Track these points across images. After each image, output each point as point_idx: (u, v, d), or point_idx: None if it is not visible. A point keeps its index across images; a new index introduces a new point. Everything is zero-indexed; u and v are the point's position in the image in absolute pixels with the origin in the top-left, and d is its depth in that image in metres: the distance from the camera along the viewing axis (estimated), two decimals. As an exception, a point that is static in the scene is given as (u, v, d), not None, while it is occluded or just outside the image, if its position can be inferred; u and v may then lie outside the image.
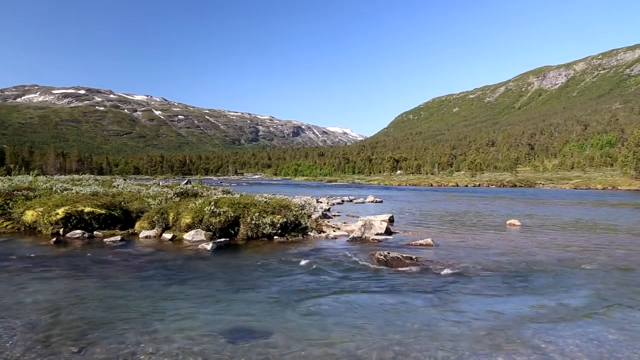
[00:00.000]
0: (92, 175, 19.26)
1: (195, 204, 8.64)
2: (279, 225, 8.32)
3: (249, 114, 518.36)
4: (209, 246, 7.02)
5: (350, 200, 21.64)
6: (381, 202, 21.77)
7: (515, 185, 54.04)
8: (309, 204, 10.96)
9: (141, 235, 8.20)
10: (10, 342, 3.20)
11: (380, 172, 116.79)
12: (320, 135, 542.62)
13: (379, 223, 8.84)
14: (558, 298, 4.55)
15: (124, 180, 16.33)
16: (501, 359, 3.07)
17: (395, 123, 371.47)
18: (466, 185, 57.37)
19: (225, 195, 10.08)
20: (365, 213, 13.78)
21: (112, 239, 7.70)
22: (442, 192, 37.94)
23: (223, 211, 8.27)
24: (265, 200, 9.37)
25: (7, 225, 8.80)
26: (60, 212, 8.30)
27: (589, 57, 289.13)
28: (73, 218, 8.33)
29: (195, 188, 11.02)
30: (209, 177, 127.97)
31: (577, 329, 3.65)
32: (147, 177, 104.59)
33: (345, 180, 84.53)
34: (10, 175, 17.10)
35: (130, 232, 8.57)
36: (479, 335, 3.49)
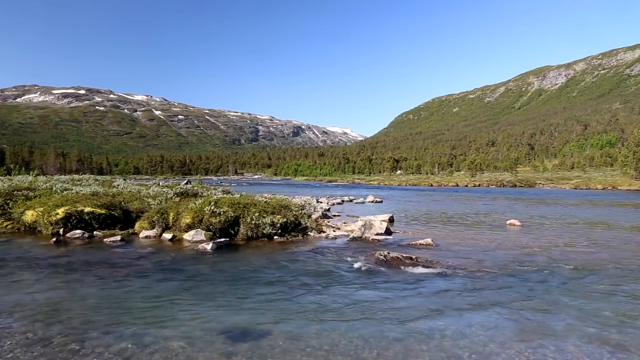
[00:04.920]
0: (92, 175, 19.26)
1: (195, 204, 8.64)
2: (279, 225, 8.32)
3: (249, 114, 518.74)
4: (209, 246, 7.02)
5: (350, 200, 21.64)
6: (381, 202, 21.77)
7: (515, 185, 54.05)
8: (309, 204, 10.97)
9: (141, 235, 8.20)
10: (10, 342, 3.20)
11: (380, 172, 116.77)
12: (320, 135, 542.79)
13: (379, 223, 8.84)
14: (557, 299, 4.55)
15: (124, 180, 16.30)
16: None
17: (395, 123, 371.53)
18: (466, 185, 57.37)
19: (225, 195, 10.08)
20: (365, 213, 13.78)
21: (112, 239, 7.70)
22: (442, 192, 37.94)
23: (223, 211, 8.27)
24: (265, 200, 9.37)
25: (7, 225, 8.81)
26: (60, 212, 8.30)
27: (589, 57, 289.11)
28: (73, 218, 8.33)
29: (195, 188, 11.02)
30: (209, 177, 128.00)
31: (578, 333, 3.65)
32: (147, 177, 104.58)
33: (345, 180, 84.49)
34: (10, 175, 17.09)
35: (130, 232, 8.57)
36: (477, 335, 3.49)
